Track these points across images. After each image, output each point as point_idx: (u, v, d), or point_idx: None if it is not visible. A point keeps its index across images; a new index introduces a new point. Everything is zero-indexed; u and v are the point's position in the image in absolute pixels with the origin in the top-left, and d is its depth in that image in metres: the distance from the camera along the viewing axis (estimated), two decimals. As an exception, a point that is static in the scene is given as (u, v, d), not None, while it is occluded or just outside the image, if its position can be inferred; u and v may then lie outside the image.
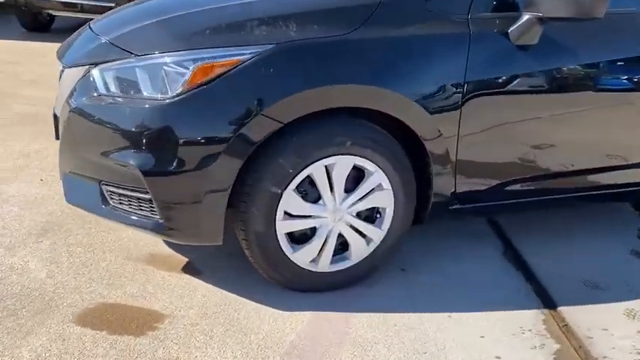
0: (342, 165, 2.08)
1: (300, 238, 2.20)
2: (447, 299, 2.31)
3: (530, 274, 2.54)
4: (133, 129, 1.94)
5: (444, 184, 2.28)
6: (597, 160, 2.55)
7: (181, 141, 1.90)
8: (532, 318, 2.25)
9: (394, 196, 2.21)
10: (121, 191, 2.07)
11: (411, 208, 2.28)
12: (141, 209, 2.06)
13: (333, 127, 2.04)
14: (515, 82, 2.23)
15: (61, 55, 2.37)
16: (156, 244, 2.53)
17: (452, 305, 2.27)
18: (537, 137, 2.38)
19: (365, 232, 2.23)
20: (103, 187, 2.11)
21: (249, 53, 1.91)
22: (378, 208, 2.26)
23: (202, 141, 1.91)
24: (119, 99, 2.02)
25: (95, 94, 2.06)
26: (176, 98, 1.89)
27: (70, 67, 2.23)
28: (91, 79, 2.08)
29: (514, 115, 2.28)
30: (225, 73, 1.90)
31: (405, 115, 2.08)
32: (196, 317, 2.09)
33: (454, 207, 2.37)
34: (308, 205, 2.10)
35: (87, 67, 2.13)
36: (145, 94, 1.96)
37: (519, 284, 2.46)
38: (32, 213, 2.74)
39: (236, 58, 1.91)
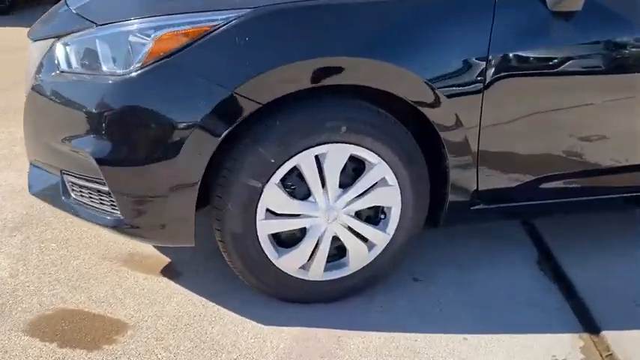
0: (336, 155, 1.74)
1: (288, 241, 1.88)
2: (465, 318, 1.94)
3: (569, 288, 2.13)
4: (89, 110, 1.67)
5: (463, 180, 1.91)
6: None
7: (140, 124, 1.61)
8: (568, 344, 1.85)
9: (401, 194, 1.85)
10: (81, 182, 1.80)
11: (422, 208, 1.92)
12: (101, 203, 1.78)
13: (323, 110, 1.71)
14: (554, 59, 1.83)
15: (31, 32, 2.12)
16: (139, 242, 2.26)
17: (470, 325, 1.90)
18: (583, 127, 1.96)
19: (366, 236, 1.89)
20: (65, 177, 1.86)
21: (222, 19, 1.60)
22: (382, 207, 1.91)
23: (164, 125, 1.61)
24: (80, 76, 1.74)
25: (57, 71, 1.80)
26: (134, 73, 1.60)
27: (35, 40, 1.98)
28: (54, 53, 1.82)
29: (552, 101, 1.88)
30: (192, 43, 1.59)
31: (412, 96, 1.72)
32: (164, 330, 1.80)
33: (477, 207, 1.99)
34: (295, 202, 1.78)
35: (52, 40, 1.87)
36: (104, 68, 1.67)
37: (555, 301, 2.06)
38: (14, 204, 2.53)
39: (205, 25, 1.60)
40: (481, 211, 2.00)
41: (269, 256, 1.81)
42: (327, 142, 1.72)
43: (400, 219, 1.89)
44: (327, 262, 1.90)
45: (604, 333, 1.88)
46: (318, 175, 1.75)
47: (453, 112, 1.77)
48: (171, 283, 2.03)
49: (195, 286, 2.01)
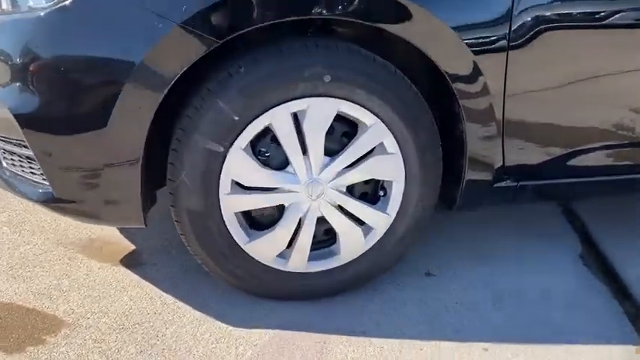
0: (319, 113, 1.37)
1: (263, 223, 1.52)
2: (486, 323, 1.54)
3: (622, 288, 1.70)
4: (7, 54, 1.34)
5: (486, 151, 1.51)
6: None
7: (61, 71, 1.27)
8: (620, 357, 1.44)
9: (405, 164, 1.47)
10: (9, 147, 1.48)
11: (433, 184, 1.53)
12: (32, 173, 1.46)
13: (301, 53, 1.33)
14: (599, 11, 1.42)
15: None
16: (99, 226, 1.94)
17: (492, 333, 1.50)
18: (632, 95, 1.55)
19: (361, 218, 1.51)
20: (-5, 142, 1.54)
21: None
22: (380, 182, 1.53)
23: (92, 72, 1.26)
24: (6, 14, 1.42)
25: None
26: (54, 7, 1.26)
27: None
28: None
29: (601, 61, 1.47)
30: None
31: (421, 40, 1.34)
32: (107, 329, 1.46)
33: (503, 184, 1.59)
34: (269, 172, 1.41)
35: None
36: (30, 3, 1.34)
37: (603, 303, 1.64)
38: (-26, 184, 2.24)
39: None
40: (507, 190, 1.60)
41: (237, 240, 1.45)
42: (307, 96, 1.35)
43: (404, 197, 1.51)
44: (313, 249, 1.52)
45: (669, 346, 1.46)
46: (296, 138, 1.38)
47: (473, 67, 1.38)
48: (130, 273, 1.70)
49: (157, 278, 1.67)
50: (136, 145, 1.31)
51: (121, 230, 1.92)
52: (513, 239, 1.94)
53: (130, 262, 1.75)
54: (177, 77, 1.26)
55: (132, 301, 1.57)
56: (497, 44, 1.38)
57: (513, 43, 1.39)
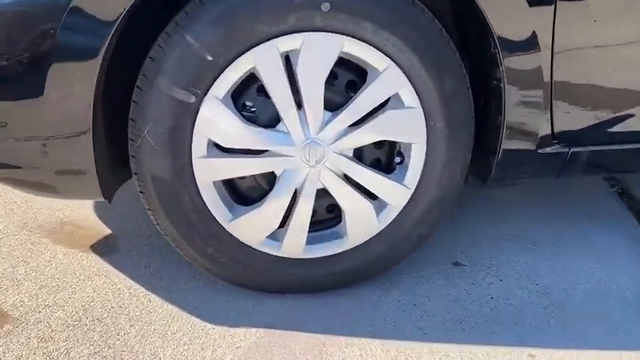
0: (317, 53, 1.08)
1: (251, 195, 1.23)
2: (532, 321, 1.22)
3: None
4: None
5: (529, 113, 1.20)
6: None
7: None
8: None
9: (427, 122, 1.16)
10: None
11: (463, 147, 1.22)
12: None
13: (292, -28, 1.05)
14: None
15: None
16: (75, 207, 1.67)
17: (540, 334, 1.19)
18: None
19: (373, 190, 1.21)
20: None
21: None
22: (397, 145, 1.23)
23: (14, 27, 1.00)
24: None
25: None
26: None
27: None
28: None
29: None
30: None
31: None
32: (58, 326, 1.19)
33: (549, 149, 1.27)
34: (254, 130, 1.13)
35: None
36: None
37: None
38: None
39: None
40: (555, 158, 1.28)
41: (216, 217, 1.17)
42: (301, 30, 1.06)
43: (427, 164, 1.20)
44: (312, 230, 1.23)
45: None
46: (288, 86, 1.09)
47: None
48: (100, 261, 1.43)
49: (130, 267, 1.40)
50: (82, 114, 1.04)
51: (98, 213, 1.66)
52: (559, 222, 1.63)
53: (102, 248, 1.49)
54: (121, 17, 0.99)
55: (95, 293, 1.30)
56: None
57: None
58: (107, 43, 1.01)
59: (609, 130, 1.28)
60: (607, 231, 1.60)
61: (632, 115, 1.29)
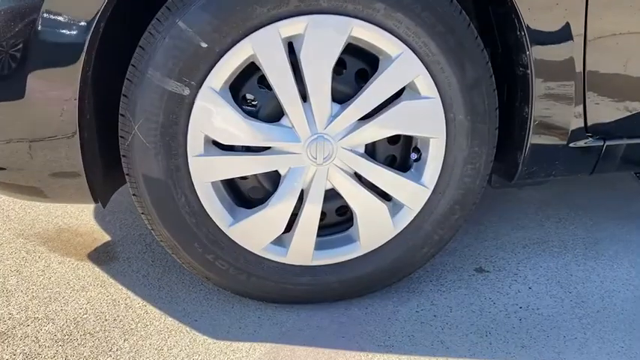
0: (323, 38, 0.98)
1: (254, 197, 1.13)
2: (562, 336, 1.10)
3: None
4: None
5: (559, 104, 1.08)
6: None
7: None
8: None
9: (446, 114, 1.05)
10: None
11: (487, 141, 1.10)
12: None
13: (294, -51, 0.95)
14: None
15: None
16: (74, 214, 1.59)
17: (575, 347, 1.06)
18: None
19: (387, 191, 1.10)
20: None
21: None
22: (414, 140, 1.12)
23: None
24: None
25: None
26: None
27: None
28: None
29: None
30: None
31: None
32: (47, 340, 1.09)
33: (582, 143, 1.15)
34: (255, 124, 1.03)
35: None
36: None
37: None
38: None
39: None
40: (588, 153, 1.16)
41: (216, 222, 1.06)
42: (305, 13, 0.96)
43: (446, 161, 1.09)
44: (321, 234, 1.13)
45: None
46: (292, 76, 0.99)
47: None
48: (97, 270, 1.34)
49: (127, 276, 1.30)
50: (67, 114, 0.96)
51: (98, 219, 1.57)
52: (589, 223, 1.50)
53: (100, 256, 1.40)
54: (101, 9, 0.90)
55: (89, 305, 1.20)
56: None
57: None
58: (89, 39, 0.93)
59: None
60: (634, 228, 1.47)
61: None
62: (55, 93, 0.96)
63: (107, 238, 1.49)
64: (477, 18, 1.17)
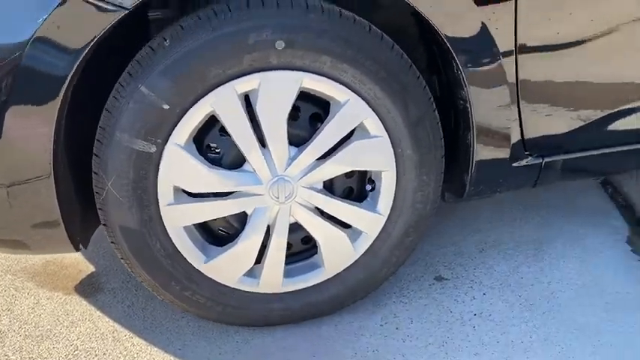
0: (276, 91, 1.06)
1: (225, 235, 1.23)
2: (510, 341, 1.22)
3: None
4: None
5: (498, 124, 1.19)
6: None
7: None
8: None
9: (394, 149, 1.15)
10: None
11: (434, 169, 1.20)
12: None
13: (242, 13, 1.02)
14: None
15: None
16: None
17: (518, 353, 1.18)
18: None
19: (346, 220, 1.20)
20: None
21: None
22: (369, 172, 1.22)
23: None
24: None
25: None
26: None
27: None
28: None
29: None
30: None
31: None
32: (42, 380, 1.20)
33: (524, 162, 1.26)
34: (220, 172, 1.11)
35: None
36: None
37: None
38: None
39: None
40: (530, 170, 1.27)
41: (190, 262, 1.16)
42: (257, 70, 1.04)
43: (398, 189, 1.19)
44: (290, 262, 1.23)
45: None
46: (250, 126, 1.08)
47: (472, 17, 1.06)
48: (84, 303, 1.42)
49: (112, 307, 1.39)
50: (40, 157, 1.03)
51: (82, 250, 1.65)
52: (540, 223, 1.61)
53: (86, 289, 1.48)
54: (78, 63, 0.97)
55: (79, 341, 1.30)
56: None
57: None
58: (66, 85, 0.99)
59: (580, 137, 1.27)
60: (591, 230, 1.59)
61: (608, 117, 1.28)
62: (31, 133, 1.02)
63: (92, 268, 1.57)
64: (427, 54, 1.26)
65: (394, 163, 1.16)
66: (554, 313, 1.29)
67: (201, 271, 1.17)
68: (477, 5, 1.07)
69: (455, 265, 1.47)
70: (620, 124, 1.30)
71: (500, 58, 1.12)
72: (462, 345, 1.21)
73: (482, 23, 1.09)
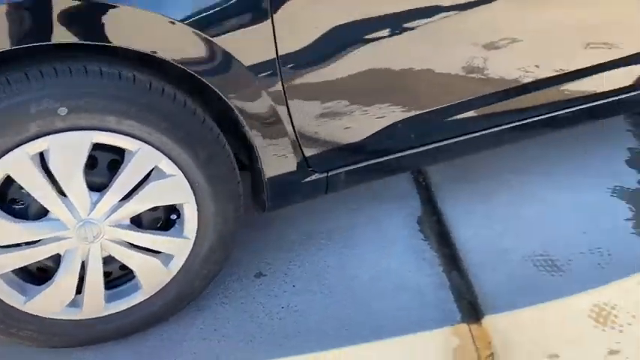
0: (66, 150, 1.17)
1: (43, 273, 1.34)
2: (310, 330, 1.46)
3: (453, 257, 1.67)
4: None
5: (276, 146, 1.37)
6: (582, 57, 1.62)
7: None
8: (438, 348, 1.41)
9: (190, 184, 1.31)
10: None
11: (230, 195, 1.37)
12: None
13: (22, 84, 1.09)
14: None
15: None
16: None
17: (317, 338, 1.43)
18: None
19: (155, 248, 1.36)
20: None
21: None
22: (173, 206, 1.37)
23: None
24: None
25: None
26: None
27: None
28: None
29: None
30: None
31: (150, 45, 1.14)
32: None
33: (312, 178, 1.47)
34: (24, 224, 1.21)
35: None
36: None
37: (433, 278, 1.60)
38: None
39: None
40: (318, 182, 1.49)
41: (9, 304, 1.27)
42: (45, 134, 1.14)
43: (200, 216, 1.36)
44: (112, 287, 1.38)
45: (488, 320, 1.45)
46: (45, 181, 1.18)
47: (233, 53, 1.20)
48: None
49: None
50: None
51: None
52: (352, 205, 1.81)
53: None
54: None
55: None
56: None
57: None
58: None
59: (354, 151, 1.49)
60: (394, 214, 1.81)
61: (371, 137, 1.48)
62: None
63: None
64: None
65: (193, 196, 1.32)
66: (350, 298, 1.54)
67: (23, 310, 1.29)
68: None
69: (274, 260, 1.66)
70: (384, 138, 1.48)
71: (273, 104, 1.28)
72: (268, 339, 1.43)
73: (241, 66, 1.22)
